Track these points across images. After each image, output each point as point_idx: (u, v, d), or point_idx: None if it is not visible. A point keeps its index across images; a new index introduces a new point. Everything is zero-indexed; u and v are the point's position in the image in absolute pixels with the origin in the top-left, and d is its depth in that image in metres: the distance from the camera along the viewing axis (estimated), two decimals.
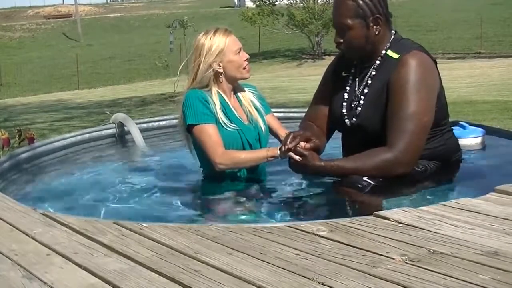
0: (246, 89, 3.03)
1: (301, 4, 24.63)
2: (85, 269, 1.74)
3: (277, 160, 2.74)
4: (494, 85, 12.62)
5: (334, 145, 2.95)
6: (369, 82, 2.72)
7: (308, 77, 15.84)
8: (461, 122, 3.29)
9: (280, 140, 2.95)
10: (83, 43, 40.37)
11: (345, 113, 2.78)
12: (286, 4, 25.06)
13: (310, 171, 2.67)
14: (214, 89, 2.89)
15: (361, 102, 2.72)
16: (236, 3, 57.35)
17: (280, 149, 2.68)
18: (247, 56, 2.94)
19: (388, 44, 2.72)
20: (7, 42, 43.01)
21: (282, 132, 2.98)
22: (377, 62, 2.72)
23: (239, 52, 2.90)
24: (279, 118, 3.23)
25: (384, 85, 2.65)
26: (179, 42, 18.58)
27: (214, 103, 2.85)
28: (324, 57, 23.58)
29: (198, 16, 40.09)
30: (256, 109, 2.98)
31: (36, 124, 10.20)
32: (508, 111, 8.81)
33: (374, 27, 2.68)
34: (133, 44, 35.99)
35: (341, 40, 2.72)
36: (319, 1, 24.33)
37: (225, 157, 2.78)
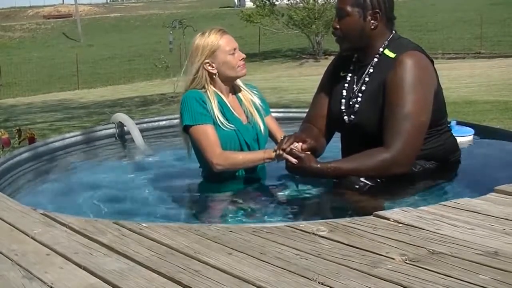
0: (246, 89, 3.03)
1: (301, 4, 24.62)
2: (85, 269, 1.74)
3: (275, 161, 2.74)
4: (494, 85, 12.62)
5: (334, 145, 2.95)
6: (367, 79, 2.73)
7: (309, 77, 15.83)
8: (451, 121, 3.30)
9: (277, 143, 2.95)
10: (83, 43, 40.34)
11: (343, 110, 2.78)
12: (286, 3, 25.04)
13: (307, 174, 2.67)
14: (211, 89, 2.89)
15: (359, 99, 2.73)
16: (236, 3, 57.34)
17: (275, 151, 2.68)
18: (243, 56, 2.92)
19: (386, 43, 2.73)
20: (7, 42, 42.99)
21: (280, 135, 2.98)
22: (375, 60, 2.73)
23: (233, 53, 2.88)
24: (279, 118, 3.23)
25: (381, 84, 2.66)
26: (179, 42, 18.58)
27: (211, 103, 2.85)
28: (324, 57, 23.56)
29: (198, 16, 40.10)
30: (256, 109, 2.98)
31: (36, 124, 10.20)
32: (508, 111, 8.82)
33: (372, 21, 2.70)
34: (133, 44, 35.95)
35: (338, 26, 2.76)
36: (319, 1, 24.32)
37: (222, 157, 2.77)
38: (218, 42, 2.86)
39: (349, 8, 2.71)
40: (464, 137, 3.29)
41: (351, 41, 2.75)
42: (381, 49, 2.73)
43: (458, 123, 3.44)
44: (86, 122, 10.19)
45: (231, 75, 2.90)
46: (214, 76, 2.89)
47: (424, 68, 2.67)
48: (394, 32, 2.78)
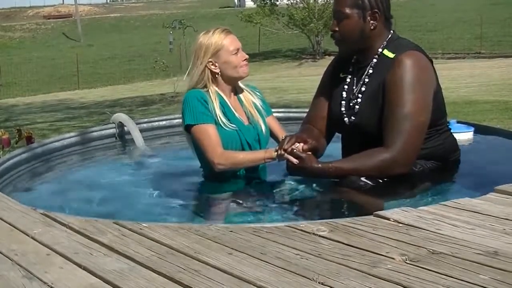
0: (248, 89, 3.03)
1: (301, 4, 24.63)
2: (85, 269, 1.74)
3: (276, 161, 2.74)
4: (494, 85, 12.62)
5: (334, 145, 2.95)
6: (366, 80, 2.73)
7: (309, 77, 15.84)
8: (451, 120, 3.29)
9: (279, 143, 2.95)
10: (83, 43, 40.32)
11: (344, 112, 2.78)
12: (287, 4, 25.05)
13: (308, 174, 2.67)
14: (213, 89, 2.89)
15: (359, 100, 2.73)
16: (236, 3, 57.32)
17: (276, 151, 2.68)
18: (246, 56, 2.92)
19: (385, 43, 2.73)
20: (7, 42, 42.97)
21: (282, 135, 2.97)
22: (374, 60, 2.73)
23: (236, 53, 2.88)
24: (279, 118, 3.23)
25: (380, 84, 2.66)
26: (179, 42, 18.58)
27: (213, 103, 2.85)
28: (324, 57, 23.56)
29: (198, 16, 40.10)
30: (257, 110, 2.98)
31: (36, 124, 10.20)
32: (508, 111, 8.82)
33: (371, 21, 2.70)
34: (133, 44, 35.95)
35: (336, 28, 2.75)
36: (319, 1, 24.33)
37: (223, 157, 2.77)
38: (222, 42, 2.86)
39: (348, 10, 2.70)
40: (464, 135, 3.29)
41: (351, 43, 2.75)
42: (380, 50, 2.72)
43: (458, 122, 3.44)
44: (87, 122, 10.20)
45: (233, 75, 2.90)
46: (216, 76, 2.90)
47: (423, 68, 2.67)
48: (392, 32, 2.78)
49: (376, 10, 2.69)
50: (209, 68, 2.88)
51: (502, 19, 29.14)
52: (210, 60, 2.87)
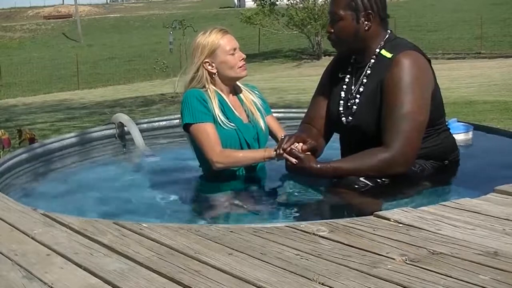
0: (247, 89, 3.03)
1: (301, 5, 24.63)
2: (85, 269, 1.74)
3: (275, 160, 2.74)
4: (494, 85, 12.63)
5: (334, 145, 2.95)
6: (364, 81, 2.73)
7: (308, 78, 15.83)
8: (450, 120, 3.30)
9: (278, 142, 2.95)
10: (83, 44, 40.30)
11: (341, 112, 2.79)
12: (286, 4, 25.05)
13: (307, 174, 2.67)
14: (212, 88, 2.89)
15: (357, 100, 2.74)
16: (236, 3, 57.31)
17: (275, 150, 2.68)
18: (243, 56, 2.92)
19: (382, 43, 2.73)
20: (7, 42, 42.96)
21: (281, 134, 2.98)
22: (372, 61, 2.73)
23: (233, 53, 2.88)
24: (278, 118, 3.23)
25: (378, 84, 2.67)
26: (179, 43, 18.59)
27: (212, 102, 2.85)
28: (324, 57, 23.56)
29: (198, 16, 40.08)
30: (258, 109, 2.98)
31: (37, 124, 10.20)
32: (508, 111, 8.82)
33: (365, 22, 2.70)
34: (133, 44, 35.95)
35: (332, 30, 2.77)
36: (319, 1, 24.33)
37: (222, 156, 2.77)
38: (219, 42, 2.86)
39: (341, 12, 2.72)
40: (462, 135, 3.29)
41: (347, 44, 2.76)
42: (377, 50, 2.73)
43: (458, 122, 3.44)
44: (87, 122, 10.20)
45: (231, 75, 2.91)
46: (214, 76, 2.90)
47: (421, 67, 2.67)
48: (390, 32, 2.78)
49: (369, 11, 2.70)
50: (206, 69, 2.88)
51: (502, 19, 29.15)
52: (206, 60, 2.87)
